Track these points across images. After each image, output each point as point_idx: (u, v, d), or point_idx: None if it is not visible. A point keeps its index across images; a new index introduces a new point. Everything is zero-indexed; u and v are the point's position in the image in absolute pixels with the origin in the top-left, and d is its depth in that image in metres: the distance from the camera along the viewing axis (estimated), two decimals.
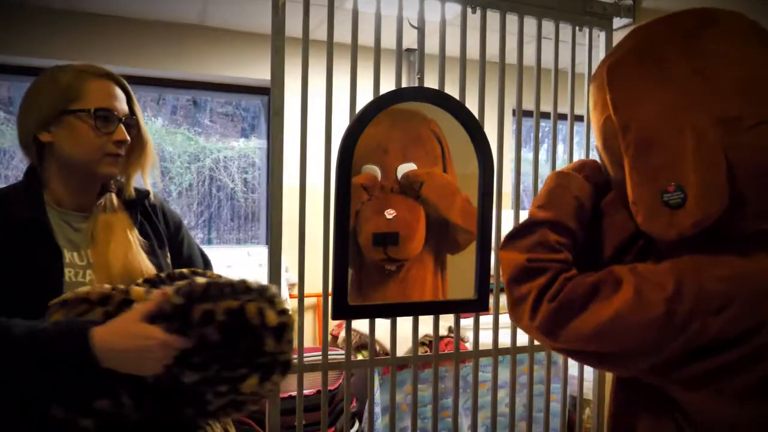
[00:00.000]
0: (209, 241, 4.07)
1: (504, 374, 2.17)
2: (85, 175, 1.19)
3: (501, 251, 1.13)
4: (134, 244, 1.20)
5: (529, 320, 1.03)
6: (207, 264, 1.39)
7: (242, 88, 3.89)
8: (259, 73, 3.63)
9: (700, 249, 1.00)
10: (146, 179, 1.29)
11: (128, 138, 1.19)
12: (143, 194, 1.29)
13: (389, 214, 1.63)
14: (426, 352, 2.55)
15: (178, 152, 3.97)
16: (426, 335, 2.58)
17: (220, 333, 1.00)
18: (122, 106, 1.20)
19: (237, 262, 3.53)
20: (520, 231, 1.12)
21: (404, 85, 1.69)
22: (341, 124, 1.60)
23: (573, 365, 2.00)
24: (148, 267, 1.19)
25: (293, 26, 1.63)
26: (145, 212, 1.29)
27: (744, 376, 0.91)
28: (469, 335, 2.74)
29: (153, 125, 3.89)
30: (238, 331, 1.02)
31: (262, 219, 4.07)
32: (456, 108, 1.68)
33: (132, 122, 1.22)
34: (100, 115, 1.15)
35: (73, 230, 1.18)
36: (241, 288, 1.04)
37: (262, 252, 3.67)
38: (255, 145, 4.10)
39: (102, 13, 3.25)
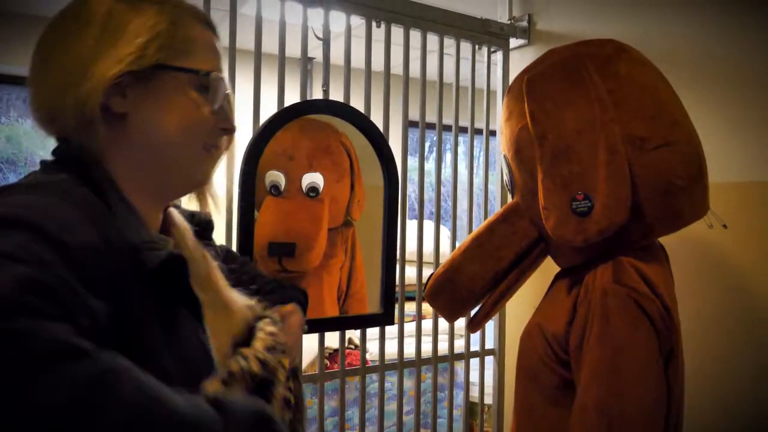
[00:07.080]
0: None
1: (408, 382, 2.18)
2: (174, 173, 0.76)
3: None
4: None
5: None
6: None
7: None
8: None
9: (597, 258, 1.08)
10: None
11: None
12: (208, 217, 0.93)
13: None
14: (327, 363, 2.52)
15: None
16: (328, 347, 2.54)
17: None
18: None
19: None
20: None
21: (305, 95, 1.67)
22: (243, 134, 1.54)
23: (474, 371, 2.05)
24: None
25: None
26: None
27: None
28: (369, 346, 2.74)
29: None
30: None
31: None
32: (362, 122, 1.67)
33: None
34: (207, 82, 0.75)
35: None
36: None
37: None
38: None
39: None
